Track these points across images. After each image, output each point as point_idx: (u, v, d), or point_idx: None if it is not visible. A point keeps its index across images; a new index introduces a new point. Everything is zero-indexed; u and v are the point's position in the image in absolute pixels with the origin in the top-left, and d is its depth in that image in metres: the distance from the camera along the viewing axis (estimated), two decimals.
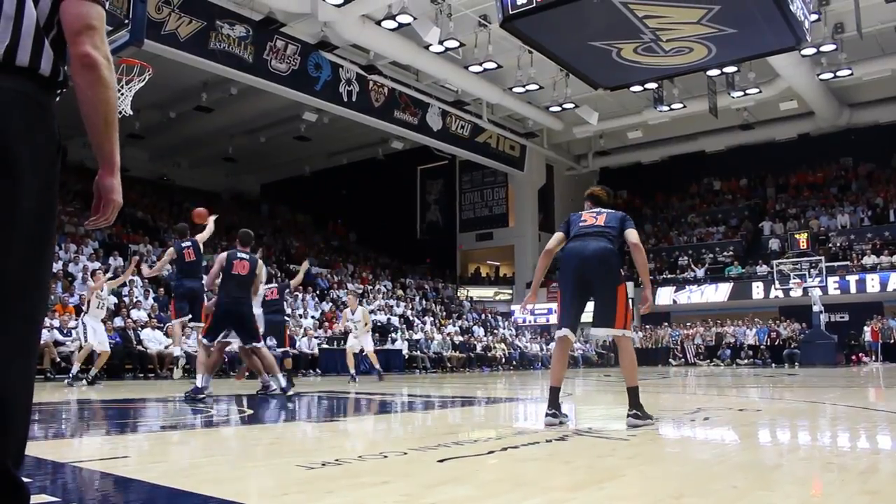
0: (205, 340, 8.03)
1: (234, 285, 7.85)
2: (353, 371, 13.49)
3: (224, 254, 8.10)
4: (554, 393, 4.89)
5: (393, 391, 10.30)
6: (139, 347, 14.90)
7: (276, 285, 11.40)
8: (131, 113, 13.24)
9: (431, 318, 25.00)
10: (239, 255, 7.95)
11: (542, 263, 5.25)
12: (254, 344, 8.06)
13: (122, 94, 11.36)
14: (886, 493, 2.71)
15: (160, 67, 15.50)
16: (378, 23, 18.27)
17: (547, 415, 4.85)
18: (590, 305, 4.98)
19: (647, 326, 28.37)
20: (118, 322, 15.21)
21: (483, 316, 28.55)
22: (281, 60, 19.22)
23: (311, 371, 17.66)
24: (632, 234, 4.94)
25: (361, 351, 13.77)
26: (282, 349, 11.07)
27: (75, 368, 11.03)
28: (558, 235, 5.10)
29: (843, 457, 3.75)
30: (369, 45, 20.20)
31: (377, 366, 14.02)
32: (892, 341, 22.76)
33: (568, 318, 4.91)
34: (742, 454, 3.88)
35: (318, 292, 22.80)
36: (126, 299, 16.48)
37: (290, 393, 8.06)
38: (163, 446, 4.43)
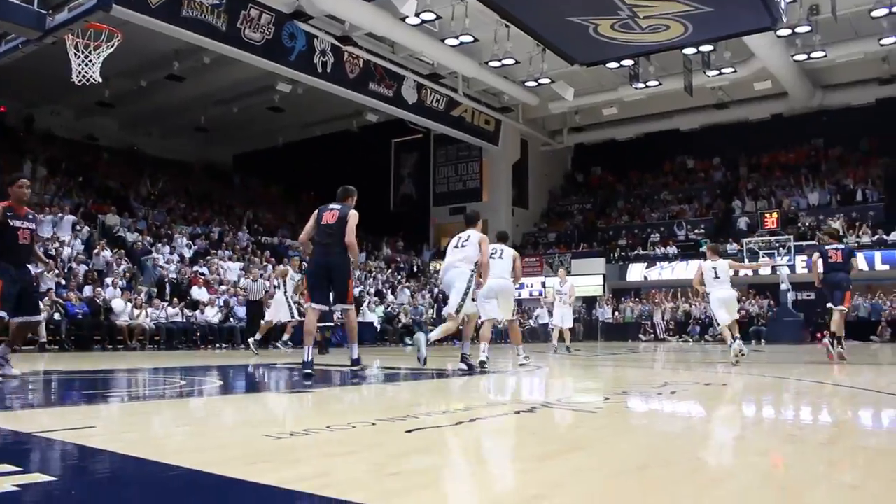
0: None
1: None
2: (556, 342, 14.56)
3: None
4: None
5: (364, 363, 10.29)
6: (108, 319, 14.76)
7: None
8: (100, 80, 12.97)
9: (409, 290, 25.01)
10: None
11: None
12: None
13: (90, 61, 11.11)
14: (844, 463, 2.78)
15: (130, 34, 15.18)
16: None
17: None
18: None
19: (623, 300, 28.66)
20: (87, 292, 15.02)
21: None
22: (255, 30, 18.88)
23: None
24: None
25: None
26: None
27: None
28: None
29: (803, 430, 3.84)
30: (345, 15, 19.93)
31: (568, 342, 14.76)
32: (856, 319, 23.17)
33: None
34: (706, 427, 3.96)
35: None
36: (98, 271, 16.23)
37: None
38: (131, 417, 4.40)
